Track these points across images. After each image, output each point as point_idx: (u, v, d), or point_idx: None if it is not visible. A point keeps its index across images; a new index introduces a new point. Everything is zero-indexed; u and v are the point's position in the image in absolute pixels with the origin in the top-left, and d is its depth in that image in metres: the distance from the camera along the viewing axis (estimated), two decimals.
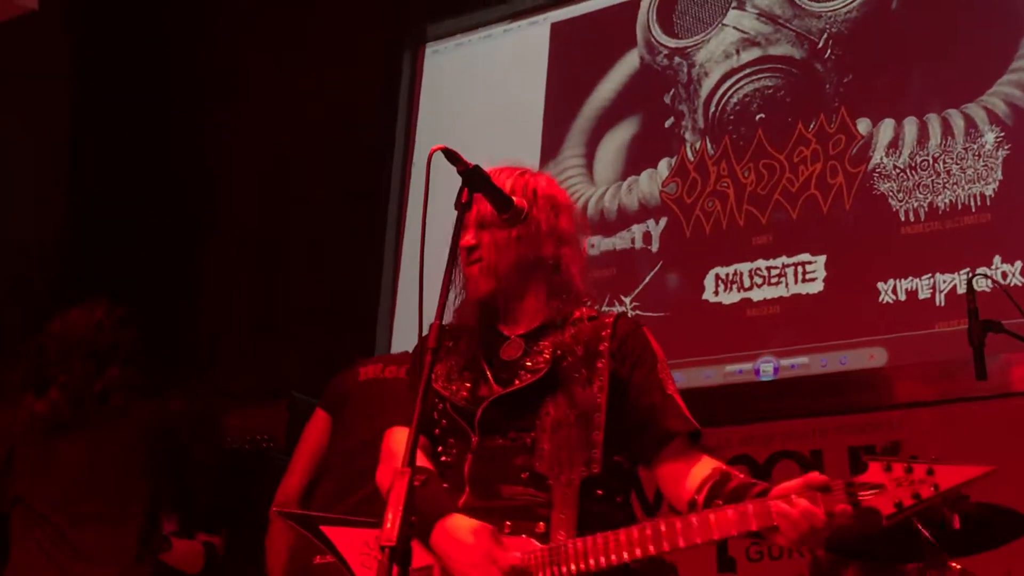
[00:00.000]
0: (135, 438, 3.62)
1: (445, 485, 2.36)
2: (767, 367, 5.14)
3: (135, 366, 3.74)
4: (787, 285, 5.20)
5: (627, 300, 5.52)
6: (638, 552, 2.14)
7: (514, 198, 2.41)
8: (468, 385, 2.42)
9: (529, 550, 2.20)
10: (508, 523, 2.26)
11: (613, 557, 2.15)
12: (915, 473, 1.95)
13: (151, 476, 3.62)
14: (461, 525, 2.23)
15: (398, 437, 2.47)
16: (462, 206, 2.29)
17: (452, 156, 2.27)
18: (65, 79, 6.84)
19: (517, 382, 2.38)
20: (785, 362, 5.11)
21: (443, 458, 2.42)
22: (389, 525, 1.89)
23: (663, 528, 2.13)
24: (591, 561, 2.16)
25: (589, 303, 2.54)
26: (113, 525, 3.51)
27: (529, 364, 2.41)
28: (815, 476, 2.07)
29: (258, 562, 4.61)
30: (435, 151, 2.24)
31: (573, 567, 2.16)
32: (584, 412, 2.32)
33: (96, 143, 6.82)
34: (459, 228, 2.29)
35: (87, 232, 6.76)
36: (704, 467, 2.30)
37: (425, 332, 2.17)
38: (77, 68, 6.89)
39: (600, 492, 2.30)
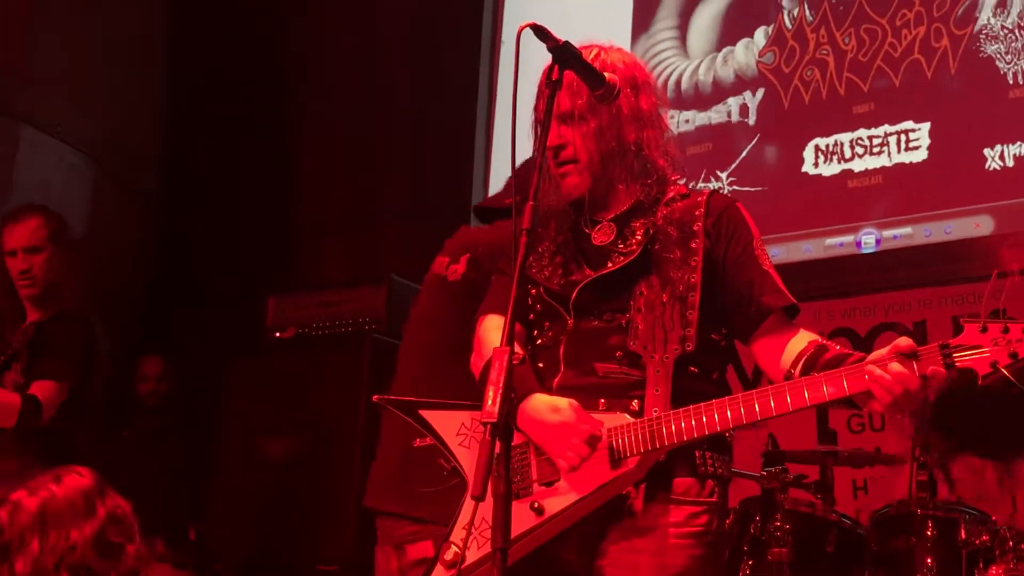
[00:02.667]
0: None
1: (541, 365, 2.40)
2: (869, 239, 5.05)
3: None
4: (890, 154, 5.08)
5: (723, 175, 5.44)
6: (731, 423, 2.16)
7: (606, 74, 2.35)
8: (560, 270, 2.43)
9: (621, 424, 2.24)
10: (602, 400, 2.29)
11: (707, 429, 2.17)
12: (1012, 333, 1.93)
13: None
14: (541, 404, 2.28)
15: (489, 324, 2.50)
16: (552, 84, 2.25)
17: (541, 32, 2.22)
18: None
19: (610, 264, 2.39)
20: (887, 233, 5.02)
21: (539, 341, 2.45)
22: (490, 403, 1.92)
23: (756, 398, 2.14)
24: (684, 434, 2.18)
25: (679, 180, 2.50)
26: None
27: (622, 247, 2.40)
28: (903, 341, 2.05)
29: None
30: (524, 28, 2.20)
31: (667, 440, 2.19)
32: (679, 292, 2.32)
33: (194, 34, 6.86)
34: (551, 107, 2.25)
35: (186, 129, 6.86)
36: (800, 340, 2.30)
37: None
38: None
39: (695, 369, 2.31)
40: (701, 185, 5.28)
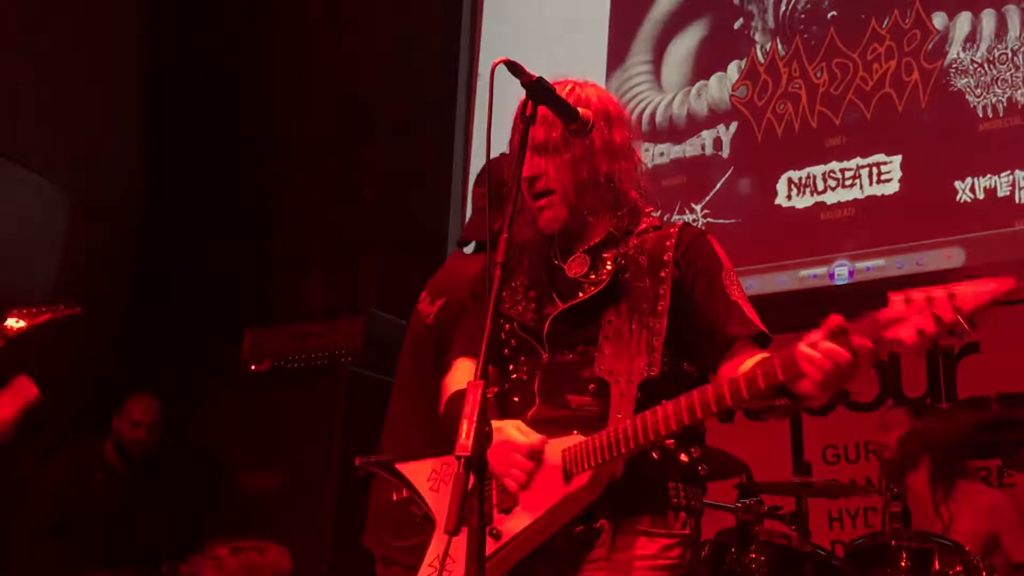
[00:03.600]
0: None
1: (516, 399, 2.40)
2: (842, 271, 5.09)
3: None
4: (862, 187, 5.13)
5: (698, 207, 5.48)
6: (673, 425, 2.13)
7: (580, 109, 2.37)
8: (533, 304, 2.44)
9: (574, 443, 2.23)
10: (575, 432, 2.27)
11: (652, 434, 2.15)
12: (936, 300, 1.92)
13: None
14: None
15: (460, 367, 2.50)
16: (526, 119, 2.27)
17: (515, 68, 2.24)
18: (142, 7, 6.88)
19: (581, 295, 2.40)
20: (860, 265, 5.07)
21: (514, 375, 2.45)
22: (464, 436, 1.92)
23: (695, 396, 2.13)
24: (631, 441, 2.17)
25: (653, 212, 2.52)
26: None
27: (593, 277, 2.41)
28: (833, 319, 2.05)
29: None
30: (498, 64, 2.22)
31: (614, 451, 2.18)
32: (646, 320, 2.32)
33: (174, 66, 6.87)
34: (524, 143, 2.27)
35: (166, 161, 6.86)
36: (757, 358, 2.27)
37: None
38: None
39: (663, 400, 2.30)
40: (676, 217, 5.32)
